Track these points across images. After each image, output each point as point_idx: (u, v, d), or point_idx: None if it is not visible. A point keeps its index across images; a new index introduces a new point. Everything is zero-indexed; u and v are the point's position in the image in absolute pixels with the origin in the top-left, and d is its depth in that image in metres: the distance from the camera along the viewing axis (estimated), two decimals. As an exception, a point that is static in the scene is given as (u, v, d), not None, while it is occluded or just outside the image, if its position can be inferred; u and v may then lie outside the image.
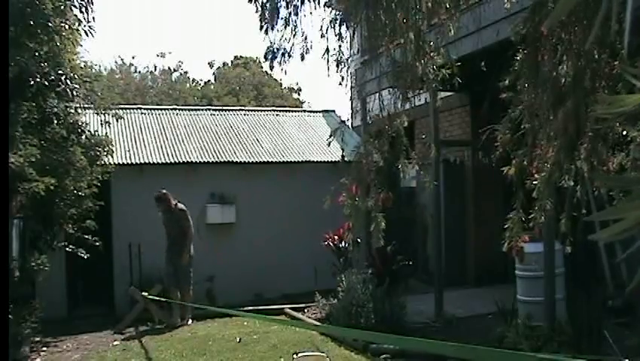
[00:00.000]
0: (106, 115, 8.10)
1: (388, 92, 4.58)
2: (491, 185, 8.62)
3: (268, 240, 9.70)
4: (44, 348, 6.95)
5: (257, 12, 4.27)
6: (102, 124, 8.27)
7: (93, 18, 6.89)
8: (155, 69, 27.28)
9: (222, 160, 9.78)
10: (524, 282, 6.33)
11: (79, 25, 6.90)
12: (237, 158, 9.92)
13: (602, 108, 1.04)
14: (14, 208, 6.71)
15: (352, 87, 7.21)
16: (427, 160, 5.32)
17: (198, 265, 8.93)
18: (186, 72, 28.17)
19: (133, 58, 36.00)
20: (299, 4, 4.26)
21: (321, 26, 4.26)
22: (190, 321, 7.89)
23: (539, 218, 3.51)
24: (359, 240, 7.99)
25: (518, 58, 3.33)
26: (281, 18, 4.27)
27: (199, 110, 12.28)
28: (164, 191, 7.93)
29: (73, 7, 6.80)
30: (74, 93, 6.92)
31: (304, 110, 14.96)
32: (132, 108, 11.35)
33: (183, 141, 10.13)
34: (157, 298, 7.39)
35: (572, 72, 3.00)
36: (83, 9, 6.79)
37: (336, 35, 4.22)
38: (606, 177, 1.91)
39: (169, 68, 27.45)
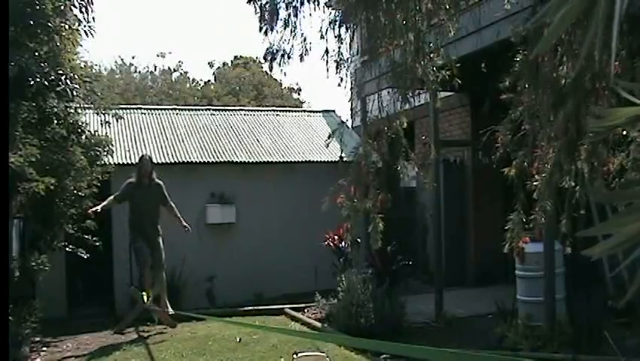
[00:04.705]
0: (106, 115, 8.09)
1: (387, 92, 4.58)
2: (491, 185, 8.62)
3: (268, 240, 9.69)
4: (44, 348, 6.95)
5: (256, 13, 4.27)
6: (102, 124, 8.26)
7: (93, 18, 6.89)
8: (155, 69, 27.28)
9: (222, 160, 9.77)
10: (524, 282, 6.33)
11: (79, 25, 6.89)
12: (237, 158, 9.91)
13: (593, 122, 1.04)
14: (14, 208, 6.71)
15: (351, 88, 7.20)
16: (427, 160, 5.31)
17: (198, 266, 8.93)
18: (186, 72, 28.17)
19: (133, 58, 35.93)
20: (298, 5, 4.26)
21: (321, 27, 4.26)
22: (169, 308, 7.40)
23: (539, 219, 3.51)
24: (359, 240, 7.99)
25: (518, 59, 3.34)
26: (281, 19, 4.27)
27: (199, 110, 12.27)
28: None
29: (73, 7, 6.79)
30: (74, 93, 6.90)
31: (304, 110, 14.95)
32: (132, 108, 11.33)
33: (183, 141, 10.12)
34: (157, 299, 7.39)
35: (572, 73, 3.00)
36: (83, 9, 6.78)
37: (335, 36, 4.23)
38: (605, 193, 1.91)
39: (169, 68, 27.44)
